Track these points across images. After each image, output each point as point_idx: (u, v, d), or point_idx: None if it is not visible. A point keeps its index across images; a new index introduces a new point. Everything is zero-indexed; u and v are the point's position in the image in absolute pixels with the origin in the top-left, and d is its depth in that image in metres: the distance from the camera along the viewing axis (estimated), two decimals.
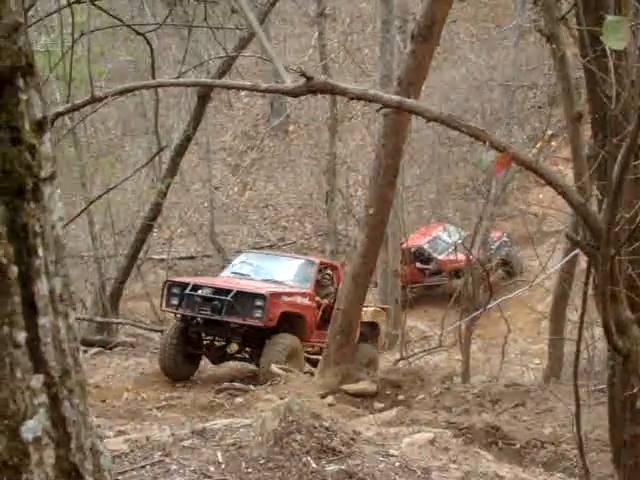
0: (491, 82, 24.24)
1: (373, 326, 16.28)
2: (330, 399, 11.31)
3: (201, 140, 28.58)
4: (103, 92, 5.14)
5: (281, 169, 33.26)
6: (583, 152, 3.12)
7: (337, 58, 32.09)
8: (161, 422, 7.37)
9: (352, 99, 2.94)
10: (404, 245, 21.06)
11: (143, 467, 5.35)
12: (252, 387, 11.93)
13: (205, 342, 14.73)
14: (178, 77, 6.43)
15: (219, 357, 14.88)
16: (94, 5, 7.91)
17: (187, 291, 14.07)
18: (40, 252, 1.40)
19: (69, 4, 6.54)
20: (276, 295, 14.17)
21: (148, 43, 7.89)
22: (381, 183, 12.29)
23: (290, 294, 14.68)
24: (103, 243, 22.14)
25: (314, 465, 5.28)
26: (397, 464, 5.55)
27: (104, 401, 11.06)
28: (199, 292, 14.08)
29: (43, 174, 1.43)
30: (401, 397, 11.80)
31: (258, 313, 13.76)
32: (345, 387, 11.96)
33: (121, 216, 24.02)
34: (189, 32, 10.30)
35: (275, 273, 15.70)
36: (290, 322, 14.26)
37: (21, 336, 1.38)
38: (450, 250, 20.51)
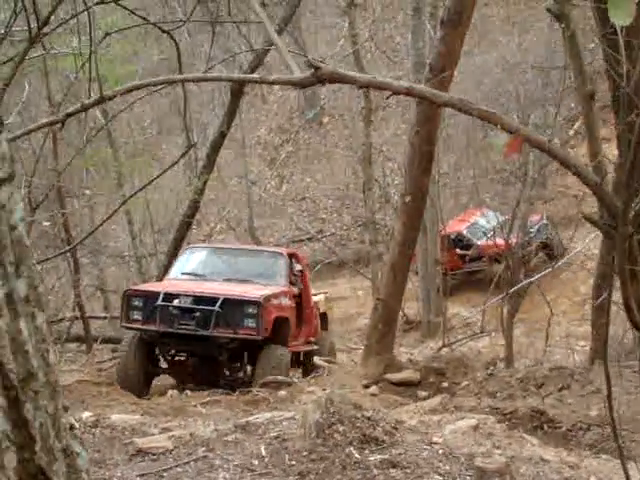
0: (524, 64, 24.02)
1: (324, 314, 15.44)
2: (373, 389, 11.30)
3: (236, 135, 28.65)
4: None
5: (317, 161, 33.26)
6: (597, 131, 3.09)
7: (369, 47, 31.95)
8: (205, 418, 7.41)
9: (361, 88, 2.93)
10: (443, 232, 20.98)
11: (187, 463, 5.39)
12: (295, 380, 11.91)
13: (168, 358, 12.66)
14: (205, 73, 6.44)
15: (189, 375, 12.66)
16: (118, 5, 7.94)
17: (159, 302, 11.86)
18: None
19: (86, 8, 6.57)
20: (268, 299, 12.17)
21: (173, 40, 7.92)
22: (416, 171, 12.25)
23: (277, 295, 12.65)
24: (143, 242, 22.29)
25: (357, 455, 5.28)
26: (440, 451, 5.54)
27: (149, 399, 11.13)
28: (175, 302, 11.92)
29: None
30: (445, 384, 11.76)
31: (251, 323, 11.78)
32: (388, 376, 11.95)
33: (160, 214, 24.15)
34: (213, 28, 10.32)
35: (238, 271, 13.32)
36: (277, 328, 12.23)
37: None
38: (489, 235, 20.40)
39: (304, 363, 13.97)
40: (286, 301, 12.87)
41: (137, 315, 12.09)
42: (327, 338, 14.93)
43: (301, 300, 13.92)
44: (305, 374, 13.18)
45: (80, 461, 1.48)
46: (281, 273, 13.43)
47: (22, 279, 1.40)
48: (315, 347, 14.14)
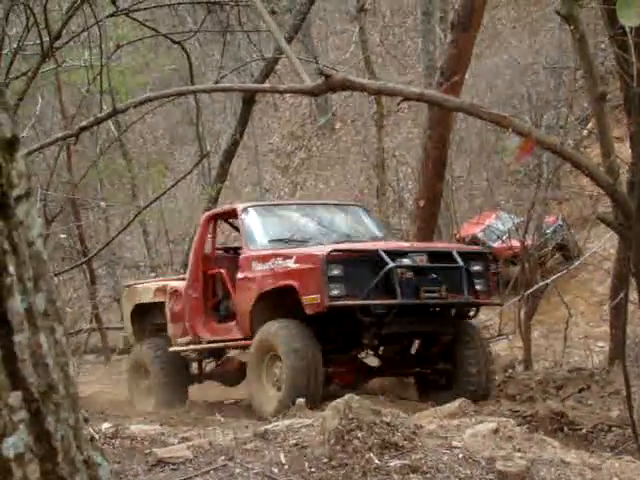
0: (536, 65, 23.98)
1: None
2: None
3: (249, 143, 28.70)
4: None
5: (330, 167, 33.24)
6: (609, 132, 3.09)
7: (380, 52, 31.95)
8: (224, 427, 7.41)
9: (372, 94, 2.94)
10: (458, 235, 20.92)
11: (207, 472, 5.39)
12: None
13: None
14: (216, 82, 6.48)
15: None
16: (129, 17, 7.98)
17: (390, 264, 8.30)
18: (11, 269, 1.37)
19: (97, 21, 6.61)
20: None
21: (184, 50, 7.97)
22: (430, 175, 12.24)
23: None
24: (158, 252, 22.32)
25: (377, 461, 5.27)
26: (461, 455, 5.52)
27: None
28: (405, 261, 8.52)
29: (16, 192, 1.41)
30: None
31: (482, 284, 8.89)
32: (406, 382, 11.91)
33: (174, 224, 24.19)
34: (224, 37, 10.40)
35: (334, 231, 9.69)
36: None
37: None
38: (504, 237, 20.34)
39: None
40: None
41: (337, 289, 8.36)
42: None
43: None
44: None
45: (101, 472, 1.51)
46: (382, 229, 10.31)
47: (41, 294, 1.43)
48: None
